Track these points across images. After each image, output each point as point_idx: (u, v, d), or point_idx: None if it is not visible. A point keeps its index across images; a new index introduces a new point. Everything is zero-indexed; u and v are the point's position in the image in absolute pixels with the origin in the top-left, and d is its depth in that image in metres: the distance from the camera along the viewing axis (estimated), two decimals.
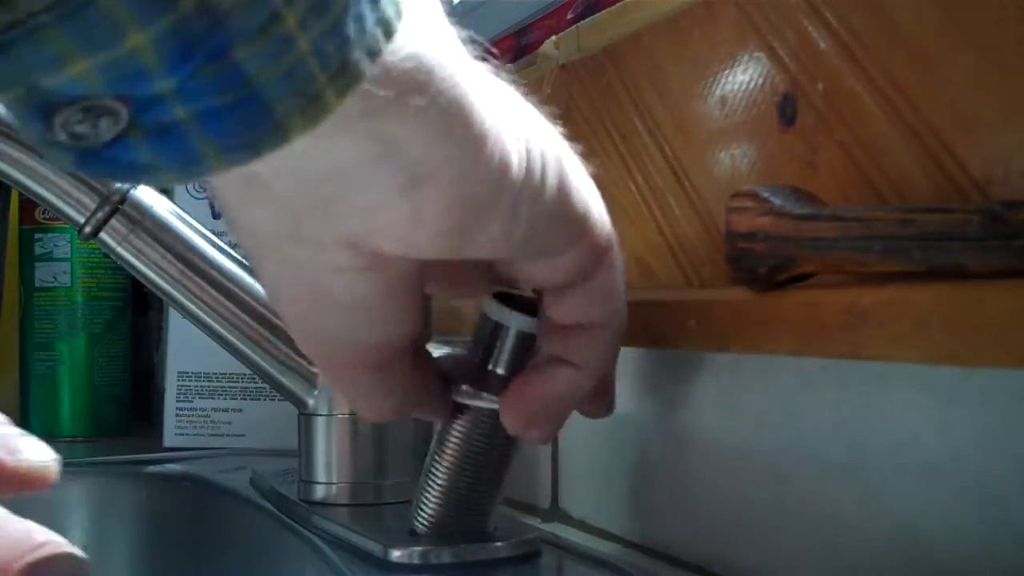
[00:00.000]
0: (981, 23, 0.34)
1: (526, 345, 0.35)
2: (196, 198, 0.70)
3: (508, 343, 0.35)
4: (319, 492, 0.46)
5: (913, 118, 0.36)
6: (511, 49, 0.68)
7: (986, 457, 0.27)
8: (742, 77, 0.44)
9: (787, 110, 0.42)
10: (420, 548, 0.36)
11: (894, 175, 0.37)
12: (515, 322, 0.35)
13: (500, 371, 0.35)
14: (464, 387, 0.35)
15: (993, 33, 0.33)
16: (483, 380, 0.35)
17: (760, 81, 0.43)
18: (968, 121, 0.34)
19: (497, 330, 0.35)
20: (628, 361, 0.42)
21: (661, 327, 0.39)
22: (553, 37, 0.59)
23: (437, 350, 0.36)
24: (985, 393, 0.27)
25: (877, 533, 0.30)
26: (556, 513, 0.47)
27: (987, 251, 0.28)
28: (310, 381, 0.46)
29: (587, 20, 0.55)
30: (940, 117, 0.35)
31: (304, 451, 0.46)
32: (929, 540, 0.29)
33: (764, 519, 0.34)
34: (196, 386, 0.69)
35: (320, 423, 0.46)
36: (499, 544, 0.37)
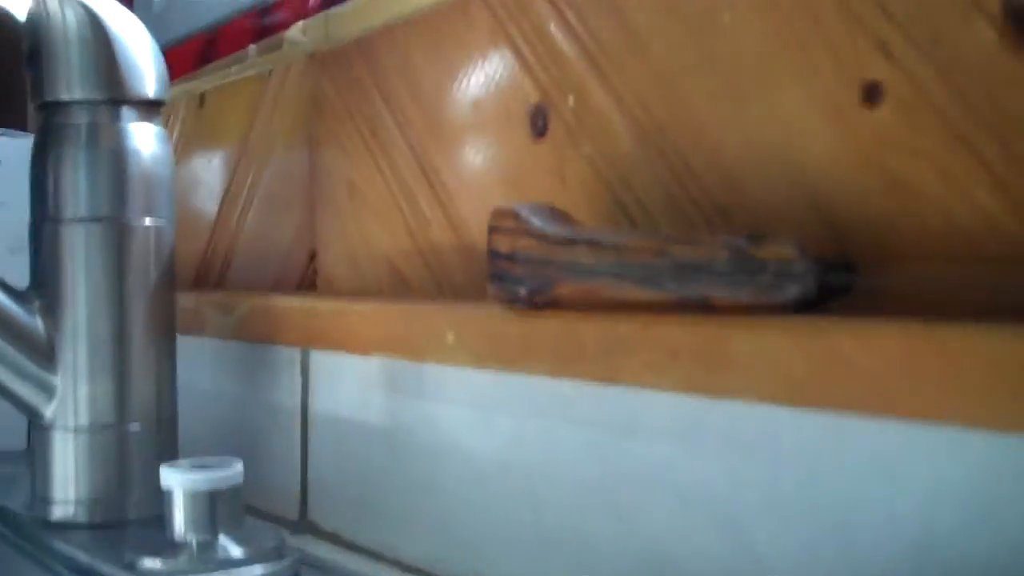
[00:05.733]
0: (723, 50, 0.36)
1: None
2: None
3: None
4: (57, 511, 0.43)
5: (659, 140, 0.38)
6: (252, 29, 0.66)
7: (733, 486, 0.29)
8: (494, 83, 0.45)
9: (539, 121, 0.43)
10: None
11: (640, 193, 0.38)
12: None
13: None
14: None
15: (735, 61, 0.35)
16: None
17: (511, 89, 0.44)
18: (712, 148, 0.36)
19: None
20: (378, 372, 0.41)
21: (418, 338, 0.39)
22: (300, 22, 0.57)
23: None
24: (731, 424, 0.29)
25: (628, 551, 0.32)
26: (305, 525, 0.46)
27: (733, 286, 0.30)
28: (48, 390, 0.43)
29: (337, 8, 0.54)
30: (685, 141, 0.37)
31: (39, 466, 0.44)
32: (676, 563, 0.30)
33: (520, 535, 0.35)
34: None
35: (58, 436, 0.43)
36: (255, 565, 0.36)
